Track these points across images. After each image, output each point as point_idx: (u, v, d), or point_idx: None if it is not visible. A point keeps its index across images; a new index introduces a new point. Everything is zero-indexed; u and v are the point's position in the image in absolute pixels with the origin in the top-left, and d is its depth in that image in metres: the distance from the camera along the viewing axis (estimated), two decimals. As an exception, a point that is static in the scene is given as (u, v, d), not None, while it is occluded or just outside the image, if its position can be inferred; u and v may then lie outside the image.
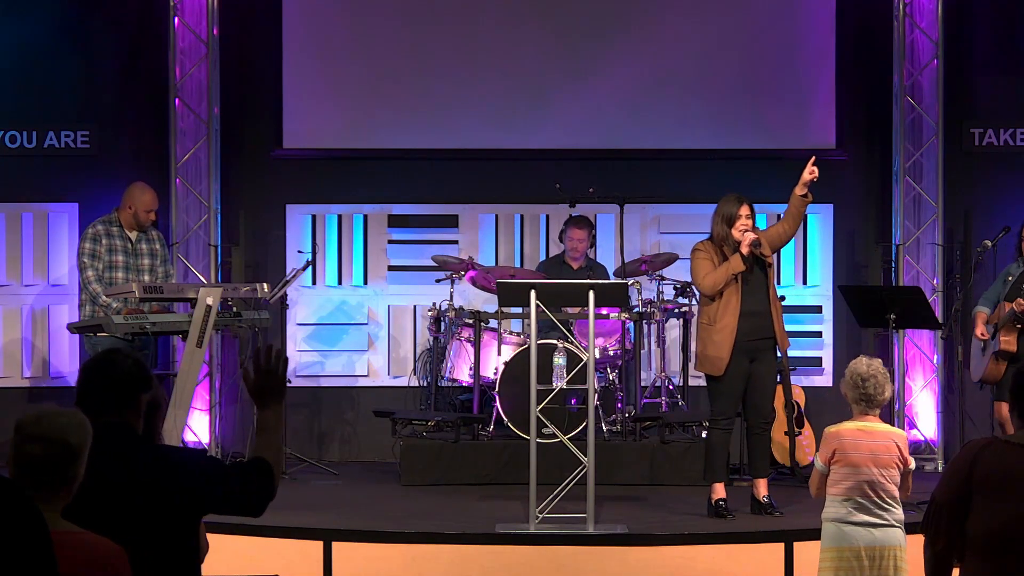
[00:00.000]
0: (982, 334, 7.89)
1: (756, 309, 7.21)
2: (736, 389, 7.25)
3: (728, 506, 7.23)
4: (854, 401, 5.44)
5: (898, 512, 5.41)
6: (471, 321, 8.64)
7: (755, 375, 7.25)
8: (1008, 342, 7.77)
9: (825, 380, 9.65)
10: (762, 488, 7.28)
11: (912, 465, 5.47)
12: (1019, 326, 7.74)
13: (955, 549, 4.07)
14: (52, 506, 3.24)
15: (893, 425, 9.09)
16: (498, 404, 8.42)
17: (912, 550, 5.49)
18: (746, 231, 7.14)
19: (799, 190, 7.22)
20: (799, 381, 8.99)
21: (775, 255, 7.62)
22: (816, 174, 7.15)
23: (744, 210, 7.20)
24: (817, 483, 5.53)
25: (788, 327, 8.60)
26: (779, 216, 9.71)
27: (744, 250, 7.13)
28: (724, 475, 7.34)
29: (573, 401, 8.09)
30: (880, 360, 5.49)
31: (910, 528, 5.52)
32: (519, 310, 8.32)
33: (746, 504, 7.35)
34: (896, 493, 5.41)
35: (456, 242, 9.71)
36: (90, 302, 8.27)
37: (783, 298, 8.43)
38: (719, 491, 7.28)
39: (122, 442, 3.68)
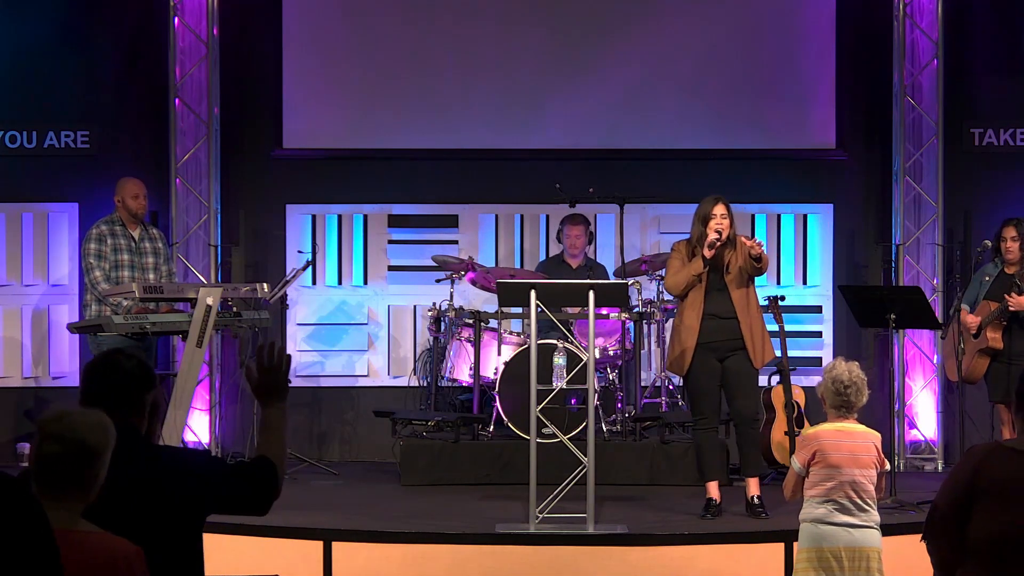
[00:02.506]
0: (972, 324, 7.95)
1: (719, 313, 7.18)
2: (707, 389, 7.23)
3: (715, 507, 7.22)
4: (834, 406, 5.45)
5: (875, 514, 5.44)
6: (471, 321, 8.64)
7: (728, 373, 7.23)
8: (995, 339, 7.89)
9: (825, 380, 9.63)
10: (752, 488, 7.25)
11: (887, 466, 5.51)
12: (1004, 323, 7.84)
13: (958, 555, 4.06)
14: (69, 505, 3.23)
15: (892, 425, 9.18)
16: (498, 404, 8.42)
17: (888, 552, 5.50)
18: (720, 230, 7.12)
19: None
20: (799, 381, 8.97)
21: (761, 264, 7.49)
22: (755, 249, 7.07)
23: (718, 209, 7.17)
24: (793, 485, 5.54)
25: (788, 327, 8.61)
26: (779, 216, 9.75)
27: (705, 252, 7.12)
28: (716, 474, 7.33)
29: (573, 401, 8.09)
30: (857, 363, 5.50)
31: (893, 530, 5.53)
32: (519, 310, 8.33)
33: (744, 504, 7.34)
34: (874, 494, 5.43)
35: (456, 242, 9.71)
36: (95, 302, 8.27)
37: (781, 298, 8.45)
38: (710, 490, 7.28)
39: (125, 443, 3.68)
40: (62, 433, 3.22)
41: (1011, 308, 7.82)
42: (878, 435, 5.57)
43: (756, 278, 7.31)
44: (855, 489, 5.38)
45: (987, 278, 8.12)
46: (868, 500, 5.40)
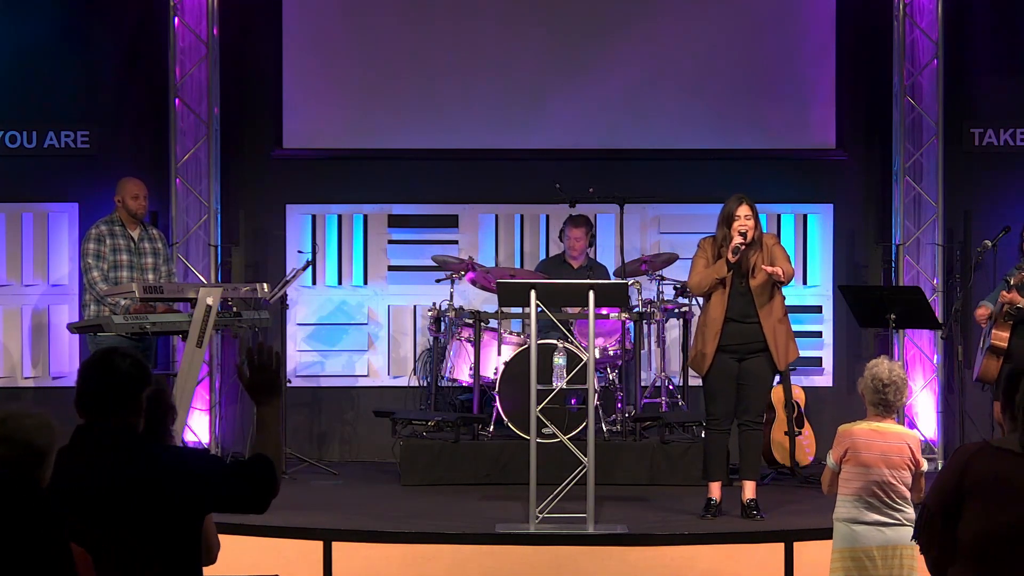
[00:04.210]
0: (982, 316, 7.89)
1: (741, 316, 7.17)
2: (723, 390, 7.22)
3: (716, 508, 7.23)
4: (872, 404, 5.45)
5: (909, 511, 5.42)
6: (471, 321, 8.64)
7: (744, 375, 7.23)
8: (999, 337, 7.80)
9: (825, 380, 9.65)
10: (748, 491, 7.23)
11: (925, 467, 5.48)
12: (1011, 322, 7.77)
13: (949, 555, 4.07)
14: None
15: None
16: (498, 404, 8.42)
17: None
18: (744, 232, 7.09)
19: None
20: (799, 381, 8.98)
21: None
22: (777, 276, 7.08)
23: (743, 209, 7.13)
24: (828, 480, 5.55)
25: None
26: (779, 216, 9.75)
27: (729, 257, 7.10)
28: (719, 475, 7.33)
29: (573, 401, 8.09)
30: (900, 363, 5.50)
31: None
32: (519, 310, 8.33)
33: (739, 507, 7.32)
34: (907, 494, 5.41)
35: (456, 242, 9.71)
36: (94, 302, 8.27)
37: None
38: (712, 490, 7.29)
39: (123, 443, 3.68)
40: (9, 435, 3.20)
41: (1000, 301, 7.79)
42: (916, 436, 5.55)
43: None
44: (884, 489, 5.38)
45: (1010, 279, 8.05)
46: (899, 499, 5.39)
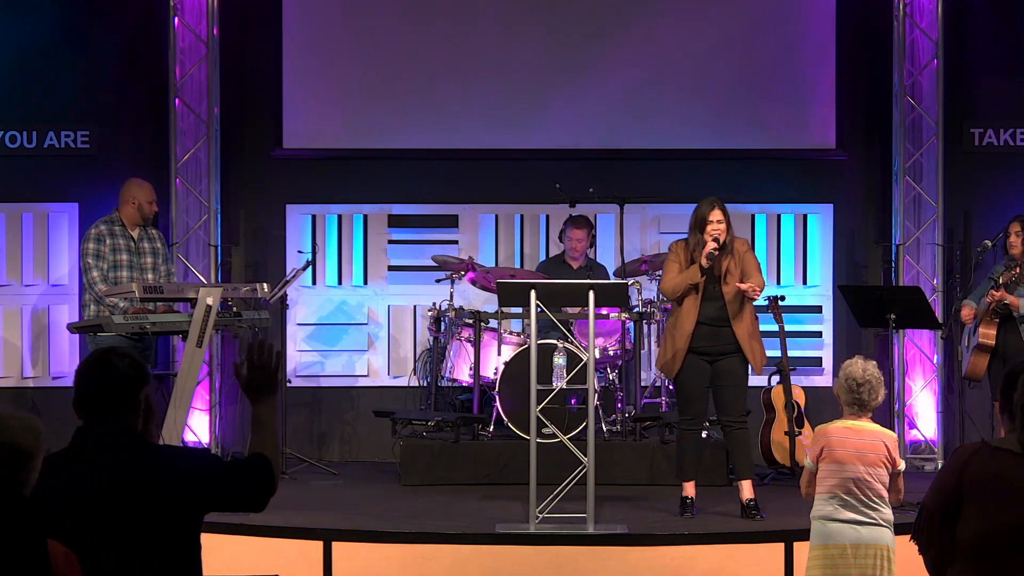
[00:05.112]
0: (967, 316, 7.94)
1: (713, 320, 7.16)
2: (695, 392, 7.22)
3: (690, 505, 7.25)
4: (847, 404, 5.46)
5: (886, 512, 5.42)
6: (471, 321, 8.64)
7: (718, 376, 7.23)
8: (986, 335, 7.85)
9: (825, 380, 9.64)
10: (745, 490, 7.23)
11: (901, 467, 5.47)
12: (997, 319, 7.81)
13: (948, 555, 4.08)
14: None
15: (892, 425, 9.17)
16: (498, 404, 8.42)
17: (901, 551, 5.49)
18: (716, 237, 7.08)
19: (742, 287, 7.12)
20: (799, 381, 8.98)
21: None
22: (750, 294, 7.07)
23: (715, 214, 7.12)
24: (806, 481, 5.56)
25: (788, 327, 8.62)
26: (779, 216, 9.75)
27: (703, 262, 7.10)
28: (693, 474, 7.34)
29: (573, 401, 8.09)
30: (875, 363, 5.50)
31: (901, 529, 5.52)
32: (519, 310, 8.33)
33: (739, 507, 7.32)
34: (883, 493, 5.41)
35: (456, 242, 9.71)
36: (94, 302, 8.26)
37: (781, 298, 8.47)
38: (687, 489, 7.31)
39: (122, 443, 3.68)
40: None
41: (986, 300, 7.82)
42: (892, 436, 5.55)
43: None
44: (859, 486, 5.38)
45: (997, 277, 8.08)
46: (875, 498, 5.39)
